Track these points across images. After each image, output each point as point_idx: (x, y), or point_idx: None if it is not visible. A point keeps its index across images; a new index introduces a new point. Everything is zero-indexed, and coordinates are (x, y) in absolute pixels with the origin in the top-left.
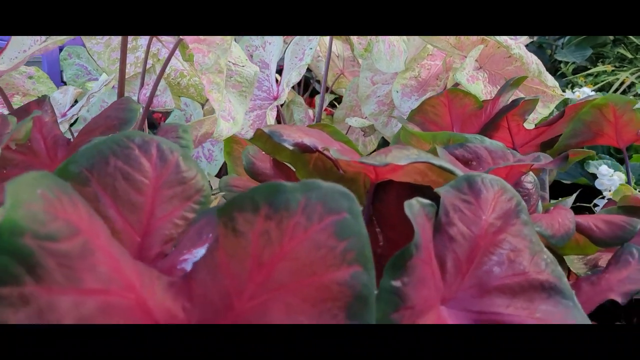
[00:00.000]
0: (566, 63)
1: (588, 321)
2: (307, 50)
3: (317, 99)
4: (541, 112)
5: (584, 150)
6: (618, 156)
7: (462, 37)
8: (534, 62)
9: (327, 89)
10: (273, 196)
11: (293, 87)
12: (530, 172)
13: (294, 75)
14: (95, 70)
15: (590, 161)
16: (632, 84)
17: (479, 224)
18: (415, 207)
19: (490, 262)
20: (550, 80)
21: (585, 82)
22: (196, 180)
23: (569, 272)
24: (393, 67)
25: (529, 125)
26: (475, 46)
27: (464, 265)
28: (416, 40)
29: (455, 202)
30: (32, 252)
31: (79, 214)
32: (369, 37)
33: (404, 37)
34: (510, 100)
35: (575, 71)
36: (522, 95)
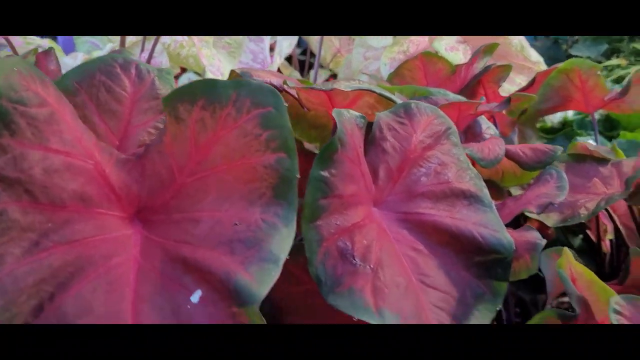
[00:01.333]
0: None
1: (501, 223)
2: (286, 43)
3: (312, 74)
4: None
5: (527, 95)
6: (607, 133)
7: None
8: (516, 38)
9: (322, 66)
10: (208, 90)
11: (297, 70)
12: (483, 117)
13: (285, 46)
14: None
15: (577, 137)
16: None
17: (410, 140)
18: (344, 114)
19: (418, 172)
20: (534, 55)
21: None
22: None
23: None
24: (383, 42)
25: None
26: None
27: (395, 174)
28: None
29: (390, 122)
30: (7, 112)
31: (49, 92)
32: None
33: None
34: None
35: None
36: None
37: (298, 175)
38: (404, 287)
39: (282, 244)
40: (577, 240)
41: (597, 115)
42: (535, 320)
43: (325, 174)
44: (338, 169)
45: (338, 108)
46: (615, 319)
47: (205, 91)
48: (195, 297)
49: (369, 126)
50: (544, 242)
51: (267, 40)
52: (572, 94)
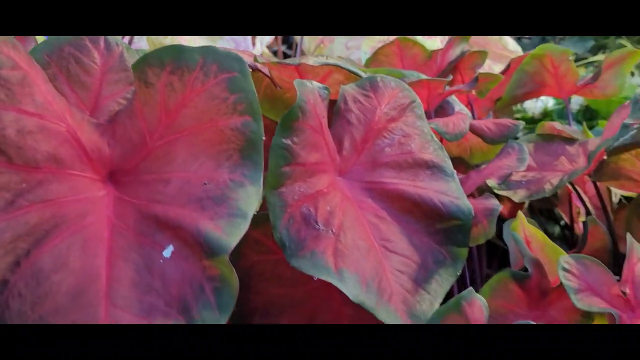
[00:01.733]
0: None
1: (461, 191)
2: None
3: None
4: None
5: (494, 74)
6: (587, 122)
7: None
8: None
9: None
10: (176, 55)
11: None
12: (455, 98)
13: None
14: None
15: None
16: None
17: (375, 112)
18: (305, 84)
19: (382, 143)
20: (511, 44)
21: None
22: None
23: None
24: None
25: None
26: None
27: (359, 145)
28: None
29: (355, 95)
30: None
31: (20, 56)
32: None
33: None
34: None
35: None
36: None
37: (264, 138)
38: (366, 251)
39: (249, 201)
40: (557, 229)
41: (577, 106)
42: (492, 282)
43: (287, 141)
44: (300, 137)
45: None
46: (563, 276)
47: (173, 56)
48: (168, 252)
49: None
50: (500, 207)
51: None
52: (545, 79)
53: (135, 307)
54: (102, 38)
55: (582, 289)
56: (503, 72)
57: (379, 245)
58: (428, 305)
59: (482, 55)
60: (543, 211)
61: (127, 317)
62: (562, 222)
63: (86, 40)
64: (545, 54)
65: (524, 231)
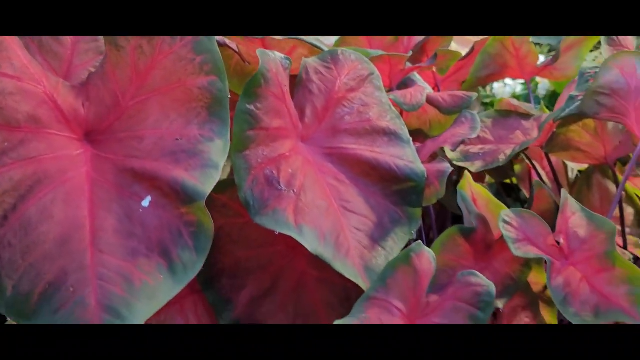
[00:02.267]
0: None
1: (416, 156)
2: None
3: None
4: None
5: (451, 51)
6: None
7: None
8: None
9: None
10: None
11: None
12: (417, 74)
13: None
14: None
15: None
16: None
17: (335, 83)
18: (268, 54)
19: (342, 112)
20: None
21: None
22: None
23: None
24: None
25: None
26: None
27: (320, 113)
28: None
29: (317, 66)
30: None
31: None
32: None
33: None
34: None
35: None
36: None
37: (229, 96)
38: (325, 210)
39: (219, 153)
40: (518, 206)
41: (543, 91)
42: (442, 237)
43: (250, 107)
44: (263, 104)
45: None
46: (503, 227)
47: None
48: (146, 202)
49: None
50: (451, 169)
51: None
52: (507, 61)
53: (120, 252)
54: None
55: (520, 239)
56: (468, 55)
57: (338, 205)
58: (383, 260)
59: (447, 39)
60: (510, 192)
61: (113, 261)
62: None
63: None
64: (506, 37)
65: (471, 190)
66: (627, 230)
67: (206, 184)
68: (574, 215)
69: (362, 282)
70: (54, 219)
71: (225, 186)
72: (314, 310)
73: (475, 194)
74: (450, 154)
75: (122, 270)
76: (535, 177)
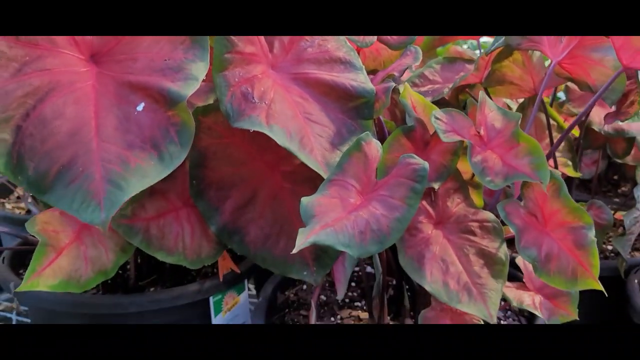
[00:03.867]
0: None
1: (367, 78)
2: None
3: None
4: None
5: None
6: None
7: None
8: None
9: None
10: None
11: None
12: None
13: None
14: None
15: None
16: None
17: None
18: None
19: (305, 45)
20: None
21: None
22: None
23: None
24: None
25: None
26: None
27: (287, 46)
28: None
29: None
30: None
31: None
32: None
33: None
34: None
35: None
36: None
37: None
38: (291, 117)
39: (199, 70)
40: None
41: None
42: (389, 139)
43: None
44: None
45: None
46: (435, 122)
47: None
48: (140, 106)
49: None
50: (394, 85)
51: None
52: None
53: (119, 142)
54: None
55: (449, 130)
56: None
57: (302, 116)
58: None
59: None
60: None
61: (113, 148)
62: None
63: None
64: None
65: (410, 98)
66: (558, 154)
67: (187, 89)
68: (492, 112)
69: (323, 172)
70: (66, 116)
71: (210, 110)
72: (288, 217)
73: (414, 101)
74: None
75: (121, 155)
76: None
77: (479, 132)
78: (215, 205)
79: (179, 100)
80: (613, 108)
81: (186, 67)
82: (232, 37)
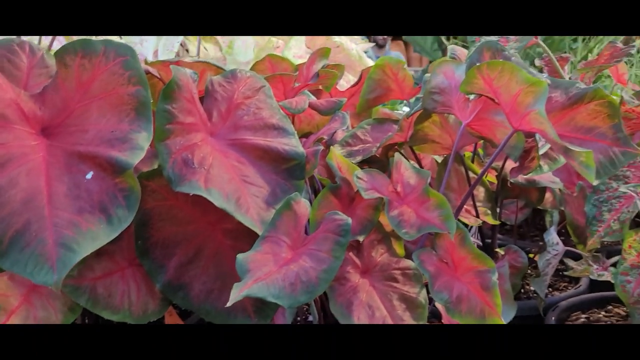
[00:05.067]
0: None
1: (299, 142)
2: (175, 44)
3: None
4: None
5: (330, 70)
6: None
7: None
8: (354, 49)
9: None
10: (85, 45)
11: None
12: (307, 92)
13: (175, 44)
14: None
15: None
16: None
17: (235, 93)
18: (179, 69)
19: (241, 113)
20: (370, 62)
21: None
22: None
23: None
24: (247, 57)
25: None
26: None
27: (224, 115)
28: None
29: (220, 81)
30: None
31: None
32: (231, 37)
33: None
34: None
35: None
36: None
37: (152, 100)
38: (229, 180)
39: (144, 140)
40: None
41: None
42: (318, 197)
43: (168, 107)
44: (177, 104)
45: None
46: (357, 182)
47: (83, 46)
48: (89, 175)
49: None
50: (321, 148)
51: (150, 59)
52: (389, 85)
53: (70, 209)
54: (27, 43)
55: (369, 188)
56: (357, 82)
57: (239, 179)
58: None
59: (340, 67)
60: None
61: (65, 214)
62: None
63: (15, 45)
64: (385, 64)
65: (336, 160)
66: (479, 204)
67: (134, 159)
68: (407, 171)
69: (258, 230)
70: (20, 186)
71: (154, 175)
72: (229, 272)
73: (339, 162)
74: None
75: (72, 220)
76: None
77: (396, 189)
78: (160, 263)
79: (126, 168)
80: (517, 163)
81: (132, 137)
82: (172, 110)
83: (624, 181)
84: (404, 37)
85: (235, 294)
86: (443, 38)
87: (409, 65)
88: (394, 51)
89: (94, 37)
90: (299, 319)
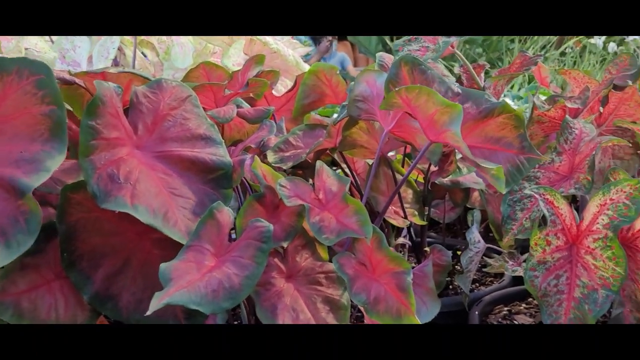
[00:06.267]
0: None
1: (226, 152)
2: (111, 50)
3: None
4: None
5: (260, 79)
6: None
7: (235, 37)
8: (291, 55)
9: None
10: None
11: None
12: (241, 99)
13: (111, 49)
14: None
15: None
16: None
17: (160, 103)
18: (102, 84)
19: (168, 124)
20: (307, 68)
21: None
22: None
23: None
24: (186, 64)
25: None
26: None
27: (150, 127)
28: (201, 41)
29: (145, 92)
30: None
31: None
32: (168, 42)
33: (190, 38)
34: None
35: None
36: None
37: (67, 121)
38: (155, 194)
39: (54, 163)
40: None
41: None
42: (244, 205)
43: (92, 122)
44: (101, 120)
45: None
46: (279, 189)
47: None
48: None
49: None
50: (247, 157)
51: (83, 64)
52: (324, 90)
53: None
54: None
55: (292, 195)
56: (292, 88)
57: (167, 192)
58: None
59: (275, 74)
60: None
61: None
62: None
63: None
64: (318, 70)
65: (260, 168)
66: (407, 205)
67: (36, 182)
68: (329, 178)
69: (185, 241)
70: None
71: (80, 187)
72: (158, 281)
73: (264, 171)
74: (271, 158)
75: None
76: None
77: (318, 196)
78: (87, 275)
79: (27, 190)
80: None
81: (39, 158)
82: (97, 126)
83: (535, 182)
84: (349, 37)
85: (156, 303)
86: (387, 39)
87: (355, 65)
88: (341, 52)
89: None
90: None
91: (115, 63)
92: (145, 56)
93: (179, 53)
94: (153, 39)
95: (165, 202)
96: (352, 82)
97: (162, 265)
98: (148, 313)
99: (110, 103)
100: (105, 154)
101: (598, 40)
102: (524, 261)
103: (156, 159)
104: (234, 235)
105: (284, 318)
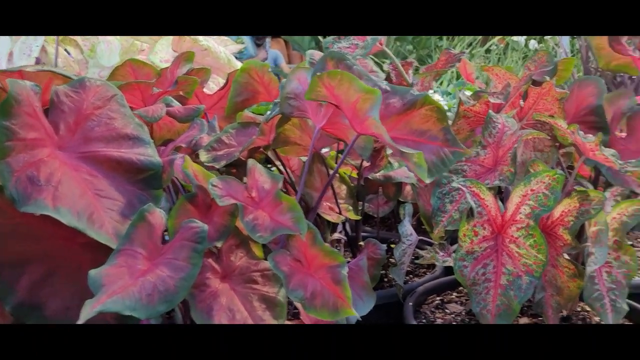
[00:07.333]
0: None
1: (155, 151)
2: (34, 47)
3: None
4: None
5: (189, 77)
6: None
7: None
8: (222, 52)
9: None
10: None
11: None
12: (171, 98)
13: (34, 47)
14: None
15: None
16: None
17: (83, 103)
18: (17, 82)
19: (92, 124)
20: (239, 65)
21: None
22: None
23: None
24: (112, 61)
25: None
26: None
27: (73, 127)
28: (128, 38)
29: (67, 91)
30: None
31: None
32: (93, 40)
33: (118, 37)
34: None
35: None
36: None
37: None
38: (80, 195)
39: None
40: None
41: None
42: (175, 206)
43: (6, 123)
44: (17, 120)
45: None
46: (211, 189)
47: None
48: None
49: None
50: (178, 157)
51: (2, 62)
52: (256, 87)
53: None
54: None
55: (224, 195)
56: (225, 85)
57: (92, 193)
58: None
59: (206, 71)
60: None
61: None
62: None
63: None
64: (250, 68)
65: (192, 168)
66: (341, 201)
67: None
68: (262, 176)
69: (114, 244)
70: None
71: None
72: None
73: (196, 171)
74: (203, 158)
75: None
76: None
77: (251, 194)
78: (9, 285)
79: None
80: (369, 162)
81: None
82: (12, 126)
83: (462, 175)
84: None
85: (87, 311)
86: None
87: (289, 62)
88: (274, 49)
89: None
90: None
91: (38, 62)
92: (69, 54)
93: (104, 50)
94: (77, 36)
95: (90, 203)
96: (284, 80)
97: (92, 272)
98: (80, 322)
99: (26, 102)
100: (23, 156)
101: (520, 38)
102: (454, 252)
103: (80, 160)
104: (167, 237)
105: (220, 318)
